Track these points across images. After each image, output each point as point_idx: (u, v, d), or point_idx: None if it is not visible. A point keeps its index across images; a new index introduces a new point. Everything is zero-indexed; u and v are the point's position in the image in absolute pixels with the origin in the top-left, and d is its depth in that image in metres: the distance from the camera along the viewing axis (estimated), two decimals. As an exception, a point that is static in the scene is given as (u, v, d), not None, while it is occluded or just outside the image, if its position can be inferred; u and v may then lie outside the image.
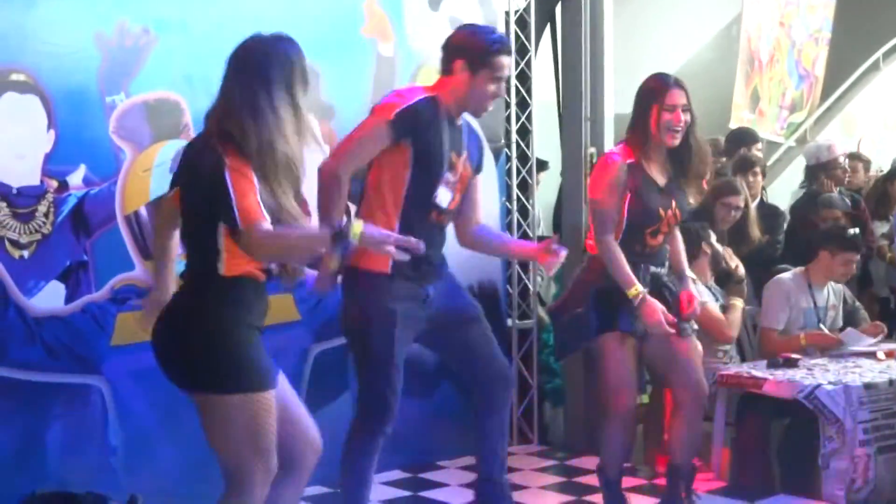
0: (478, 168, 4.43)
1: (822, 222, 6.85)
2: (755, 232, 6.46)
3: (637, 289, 4.55)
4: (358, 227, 3.28)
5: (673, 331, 4.61)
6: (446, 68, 4.22)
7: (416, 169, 4.14)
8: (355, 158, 4.15)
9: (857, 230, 6.18)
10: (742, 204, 6.27)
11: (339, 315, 4.36)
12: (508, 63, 4.23)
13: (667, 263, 4.81)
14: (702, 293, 5.56)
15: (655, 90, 4.63)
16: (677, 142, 4.62)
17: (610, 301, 4.62)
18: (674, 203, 4.67)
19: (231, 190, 3.29)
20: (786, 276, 6.01)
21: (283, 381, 3.61)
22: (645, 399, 5.08)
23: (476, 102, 4.22)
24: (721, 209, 6.21)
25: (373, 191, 4.22)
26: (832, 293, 6.04)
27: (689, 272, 4.92)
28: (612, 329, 4.64)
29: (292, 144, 3.41)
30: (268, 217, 3.32)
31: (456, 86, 4.19)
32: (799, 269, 6.03)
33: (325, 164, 4.16)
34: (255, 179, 3.32)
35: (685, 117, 4.60)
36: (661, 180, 4.68)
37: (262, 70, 3.44)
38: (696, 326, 4.98)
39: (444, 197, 4.22)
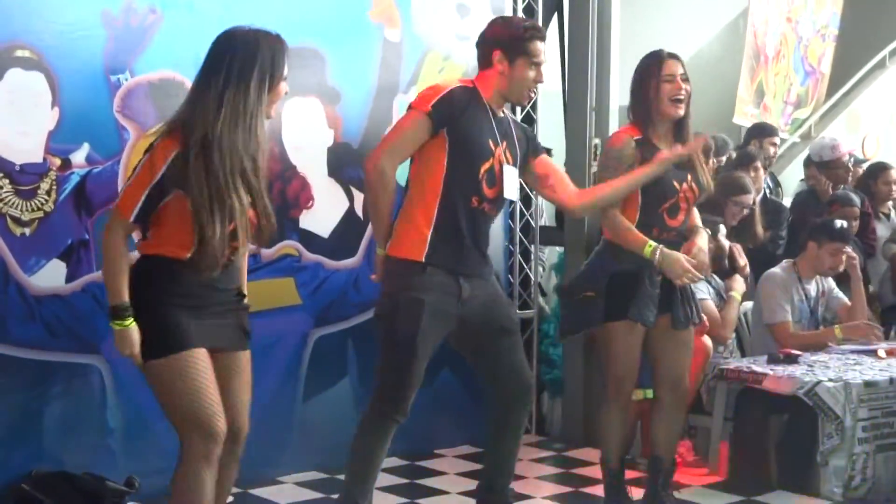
0: (532, 152, 4.44)
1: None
2: (759, 229, 6.46)
3: (651, 245, 4.56)
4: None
5: (701, 276, 4.66)
6: (485, 61, 4.26)
7: (454, 154, 4.15)
8: (398, 152, 4.17)
9: (843, 223, 6.15)
10: (752, 202, 6.28)
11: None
12: (544, 49, 4.27)
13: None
14: (701, 289, 5.56)
15: (651, 65, 4.67)
16: (681, 111, 4.62)
17: (624, 288, 4.62)
18: (689, 177, 4.66)
19: (132, 173, 3.47)
20: (776, 270, 6.01)
21: (236, 364, 3.67)
22: (649, 394, 5.06)
23: (518, 90, 4.27)
24: (732, 207, 6.23)
25: (413, 184, 4.22)
26: (820, 285, 6.04)
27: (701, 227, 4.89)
28: (623, 317, 4.63)
29: (239, 135, 3.43)
30: (132, 217, 3.44)
31: (496, 76, 4.23)
32: (787, 262, 6.03)
33: (368, 160, 4.20)
34: (162, 172, 3.40)
35: (686, 86, 4.61)
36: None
37: (216, 63, 3.50)
38: (701, 319, 4.98)
39: (510, 186, 4.28)
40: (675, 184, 4.63)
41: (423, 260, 4.11)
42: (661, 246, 4.54)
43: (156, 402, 3.58)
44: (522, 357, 4.45)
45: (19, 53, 4.57)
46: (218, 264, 3.48)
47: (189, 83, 4.82)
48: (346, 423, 5.63)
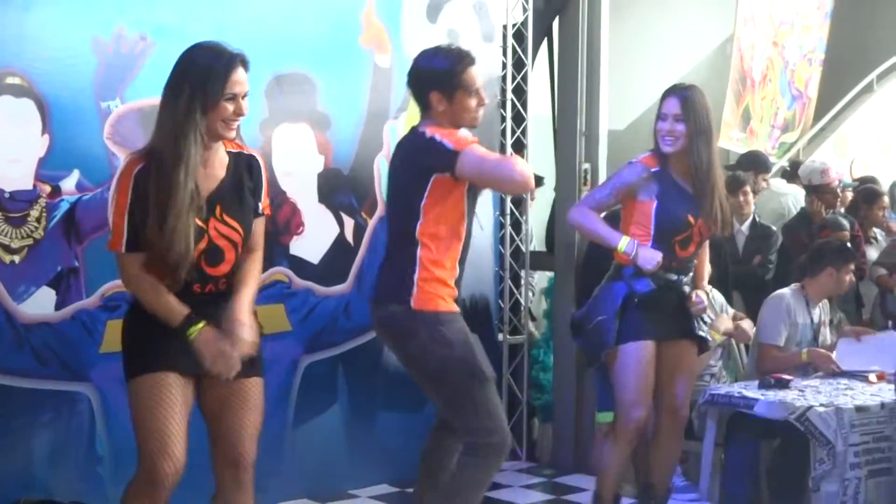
0: None
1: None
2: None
3: (625, 240, 4.61)
4: (195, 330, 3.44)
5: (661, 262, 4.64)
6: (425, 103, 4.18)
7: (469, 198, 4.18)
8: None
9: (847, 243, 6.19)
10: None
11: (408, 359, 4.28)
12: (478, 71, 4.21)
13: (691, 276, 4.83)
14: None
15: (661, 98, 4.73)
16: (670, 149, 4.66)
17: (635, 308, 4.64)
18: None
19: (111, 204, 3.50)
20: (785, 291, 5.99)
21: (241, 391, 3.63)
22: (609, 417, 5.06)
23: (467, 120, 4.20)
24: None
25: (435, 235, 4.13)
26: (823, 310, 6.04)
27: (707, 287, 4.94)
28: (638, 337, 4.64)
29: (183, 146, 3.41)
30: (123, 248, 3.45)
31: (440, 117, 4.15)
32: (796, 284, 6.02)
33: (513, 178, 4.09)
34: (134, 186, 3.42)
35: (677, 126, 4.62)
36: (690, 189, 4.69)
37: (171, 79, 3.51)
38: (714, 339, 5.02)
39: None
40: (690, 218, 4.65)
41: (458, 312, 4.17)
42: (636, 242, 4.59)
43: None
44: None
45: (10, 80, 4.57)
46: (179, 278, 3.44)
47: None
48: (336, 450, 5.66)
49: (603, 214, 4.83)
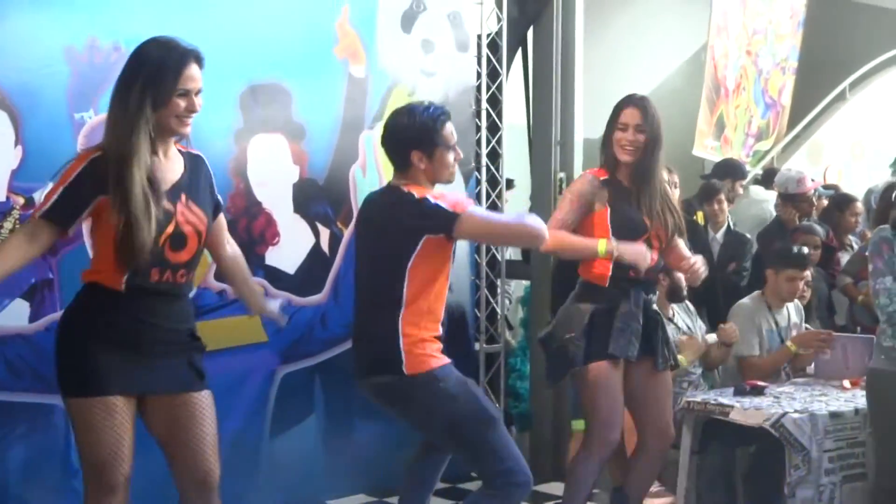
0: None
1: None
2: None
3: (605, 242, 4.59)
4: None
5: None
6: (403, 162, 4.14)
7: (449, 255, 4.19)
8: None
9: (801, 248, 6.18)
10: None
11: (415, 423, 4.27)
12: (452, 127, 4.20)
13: (657, 294, 4.84)
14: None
15: (615, 109, 4.74)
16: (628, 158, 4.68)
17: (604, 326, 4.63)
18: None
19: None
20: (746, 300, 6.03)
21: (193, 405, 3.58)
22: (580, 425, 5.08)
23: (445, 176, 4.20)
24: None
25: (418, 296, 4.06)
26: (793, 312, 6.06)
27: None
28: (605, 356, 4.62)
29: (134, 141, 3.39)
30: (39, 213, 3.42)
31: (420, 174, 4.12)
32: (757, 292, 6.05)
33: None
34: (82, 169, 3.41)
35: (639, 136, 4.65)
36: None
37: (124, 74, 3.49)
38: (677, 362, 5.02)
39: None
40: (646, 220, 4.67)
41: (448, 359, 4.13)
42: (616, 243, 4.58)
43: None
44: None
45: (-19, 92, 4.55)
46: (137, 266, 3.42)
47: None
48: (313, 460, 5.65)
49: None
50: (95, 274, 3.50)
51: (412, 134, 4.11)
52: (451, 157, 4.16)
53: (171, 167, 3.56)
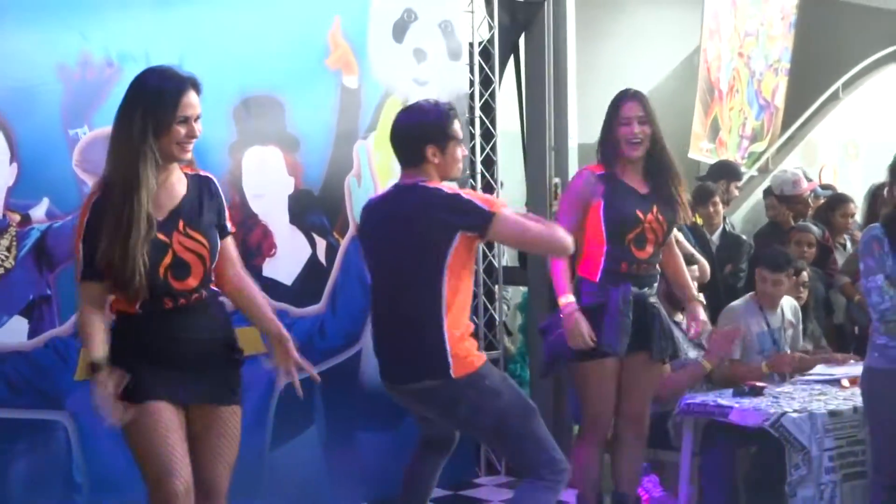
0: None
1: (796, 246, 6.91)
2: None
3: (567, 299, 4.65)
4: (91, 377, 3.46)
5: (592, 345, 4.67)
6: (416, 158, 4.16)
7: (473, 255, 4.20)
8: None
9: (781, 250, 6.17)
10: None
11: (462, 424, 4.31)
12: (459, 123, 4.28)
13: (655, 287, 4.84)
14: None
15: (612, 106, 4.80)
16: (638, 153, 4.72)
17: (593, 320, 4.67)
18: (655, 208, 4.73)
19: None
20: (737, 303, 6.03)
21: (219, 420, 3.66)
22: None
23: (455, 170, 4.25)
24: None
25: (450, 298, 4.08)
26: (787, 312, 6.05)
27: (697, 297, 4.98)
28: (592, 352, 4.68)
29: (141, 168, 3.44)
30: (80, 276, 3.50)
31: (433, 169, 4.16)
32: (750, 294, 6.06)
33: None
34: (89, 216, 3.47)
35: (642, 128, 4.67)
36: (641, 187, 4.77)
37: (123, 105, 3.54)
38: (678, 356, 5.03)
39: None
40: (639, 213, 4.69)
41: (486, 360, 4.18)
42: (576, 308, 4.65)
43: (122, 456, 3.58)
44: None
45: (-24, 110, 4.57)
46: (137, 296, 3.46)
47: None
48: (314, 470, 5.66)
49: None
50: (115, 303, 3.58)
51: (426, 129, 4.16)
52: (460, 151, 4.22)
53: (169, 194, 3.59)
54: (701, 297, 5.05)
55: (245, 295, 3.82)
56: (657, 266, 4.88)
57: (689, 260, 5.58)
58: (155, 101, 3.48)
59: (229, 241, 3.77)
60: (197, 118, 3.56)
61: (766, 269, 5.93)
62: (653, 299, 4.86)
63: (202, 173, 3.74)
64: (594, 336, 4.65)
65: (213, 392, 3.66)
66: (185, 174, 3.67)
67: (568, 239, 4.11)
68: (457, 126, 4.21)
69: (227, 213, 3.76)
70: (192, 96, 3.55)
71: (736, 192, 7.92)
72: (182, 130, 3.51)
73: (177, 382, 3.55)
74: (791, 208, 7.56)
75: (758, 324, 5.92)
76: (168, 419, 3.51)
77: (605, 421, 4.86)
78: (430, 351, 4.03)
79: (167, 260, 3.51)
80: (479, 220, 3.98)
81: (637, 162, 4.76)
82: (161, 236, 3.50)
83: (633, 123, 4.70)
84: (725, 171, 7.92)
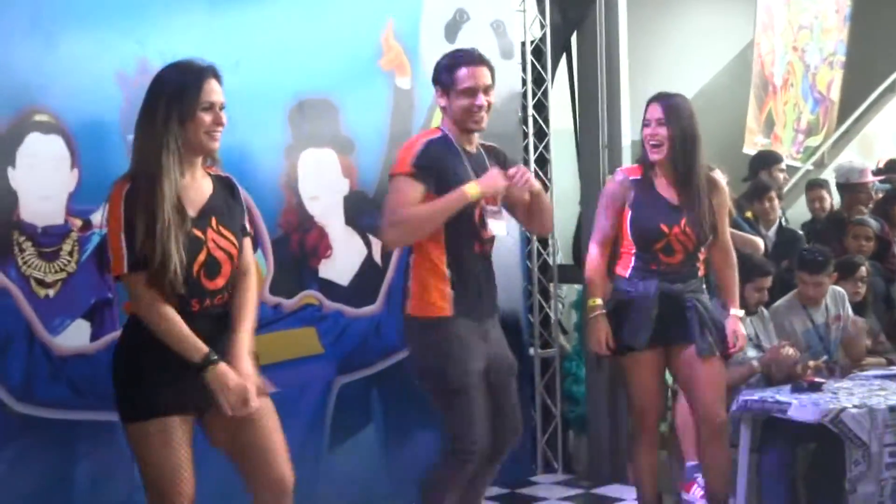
0: None
1: (854, 240, 6.85)
2: None
3: (594, 302, 4.74)
4: (213, 370, 3.44)
5: (608, 353, 4.76)
6: (438, 102, 4.33)
7: None
8: None
9: (825, 251, 6.11)
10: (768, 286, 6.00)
11: (410, 366, 4.43)
12: (473, 72, 4.22)
13: (694, 283, 4.81)
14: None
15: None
16: (656, 156, 4.71)
17: (622, 316, 4.73)
18: (683, 221, 4.69)
19: (106, 229, 3.50)
20: (781, 301, 5.99)
21: (255, 413, 3.57)
22: (662, 428, 5.13)
23: (461, 121, 4.25)
24: (751, 292, 5.81)
25: (417, 246, 4.23)
26: (832, 305, 6.00)
27: (736, 310, 4.89)
28: (623, 347, 4.74)
29: (164, 160, 3.43)
30: (125, 268, 3.42)
31: (445, 114, 4.28)
32: (793, 292, 6.01)
33: (382, 240, 4.37)
34: (125, 207, 3.42)
35: (660, 130, 4.65)
36: (673, 197, 4.73)
37: (146, 99, 3.54)
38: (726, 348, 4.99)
39: (497, 228, 4.27)
40: (663, 227, 4.68)
41: (452, 314, 4.17)
42: (602, 312, 4.75)
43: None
44: (517, 400, 4.47)
45: (38, 118, 4.63)
46: (173, 290, 3.42)
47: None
48: (372, 470, 5.69)
49: None
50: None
51: (435, 71, 4.36)
52: (463, 100, 4.23)
53: (199, 189, 3.59)
54: (741, 312, 4.94)
55: (238, 295, 3.68)
56: (697, 265, 4.83)
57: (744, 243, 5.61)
58: (178, 91, 3.48)
59: (247, 241, 3.76)
60: (222, 107, 3.55)
61: (805, 272, 5.89)
62: (693, 294, 4.78)
63: (222, 174, 3.75)
64: (611, 342, 4.72)
65: None
66: (208, 174, 3.67)
67: (390, 235, 4.21)
68: (460, 75, 4.22)
69: (246, 214, 3.77)
70: (214, 83, 3.54)
71: (781, 177, 7.77)
72: (207, 118, 3.50)
73: (197, 389, 3.47)
74: (853, 198, 7.50)
75: (802, 322, 5.88)
76: (179, 438, 3.49)
77: (651, 416, 4.85)
78: (405, 285, 4.27)
79: (202, 257, 3.51)
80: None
81: (668, 167, 4.72)
82: (197, 232, 3.50)
83: (652, 125, 4.70)
84: (762, 161, 7.78)
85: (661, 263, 4.72)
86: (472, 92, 4.20)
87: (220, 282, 3.57)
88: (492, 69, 4.29)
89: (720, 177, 5.02)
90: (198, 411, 3.57)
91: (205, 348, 3.44)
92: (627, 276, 4.78)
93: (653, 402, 4.83)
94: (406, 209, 4.09)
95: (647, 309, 4.69)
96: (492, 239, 4.31)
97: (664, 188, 4.75)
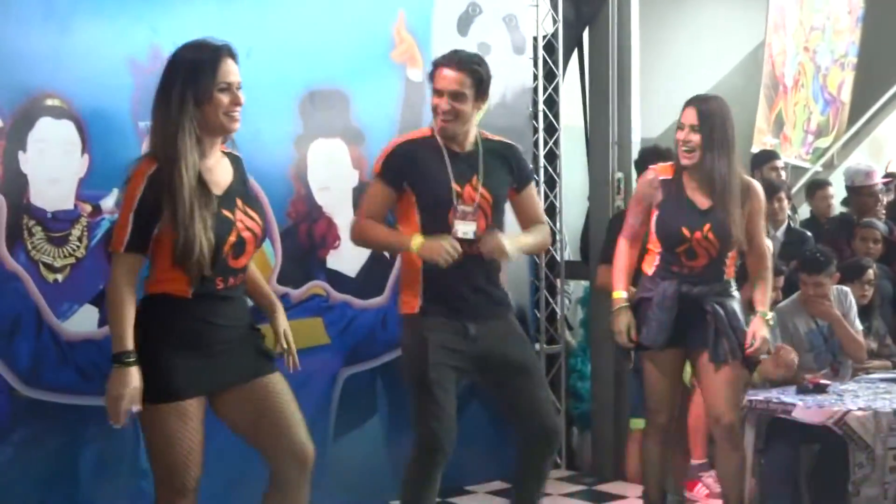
0: (516, 187, 4.40)
1: (861, 242, 6.84)
2: None
3: (618, 294, 4.75)
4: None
5: (631, 345, 4.76)
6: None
7: (422, 207, 4.19)
8: (372, 217, 4.27)
9: (825, 251, 6.09)
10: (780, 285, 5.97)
11: None
12: (443, 75, 4.21)
13: (718, 286, 4.75)
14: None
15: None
16: (687, 161, 4.69)
17: (637, 316, 4.75)
18: (707, 226, 4.66)
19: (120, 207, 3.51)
20: (784, 303, 5.98)
21: (268, 387, 3.61)
22: (639, 424, 5.14)
23: (435, 120, 4.27)
24: None
25: None
26: (837, 305, 5.97)
27: (763, 310, 4.83)
28: (640, 345, 4.75)
29: (180, 142, 3.39)
30: (124, 247, 3.40)
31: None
32: (797, 293, 6.00)
33: (350, 230, 4.36)
34: (144, 187, 3.39)
35: (693, 136, 4.64)
36: (702, 202, 4.70)
37: (162, 80, 3.50)
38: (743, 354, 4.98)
39: (464, 229, 4.18)
40: (685, 231, 4.65)
41: (418, 312, 4.21)
42: (626, 304, 4.78)
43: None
44: (545, 398, 4.41)
45: (49, 102, 4.65)
46: (200, 271, 3.41)
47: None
48: (377, 461, 5.70)
49: None
50: (161, 284, 3.49)
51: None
52: (434, 100, 4.29)
53: (222, 171, 3.58)
54: (770, 315, 4.90)
55: (254, 278, 3.84)
56: (723, 268, 4.78)
57: None
58: (194, 72, 3.44)
59: None
60: (238, 86, 3.51)
61: (804, 273, 5.88)
62: (718, 297, 4.73)
63: (234, 153, 3.70)
64: (634, 335, 4.74)
65: (257, 366, 3.62)
66: (223, 152, 3.64)
67: (350, 235, 4.38)
68: (435, 75, 4.26)
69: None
70: (229, 63, 3.50)
71: (774, 176, 7.69)
72: (225, 98, 3.46)
73: (210, 370, 3.50)
74: (860, 200, 7.48)
75: (805, 323, 5.88)
76: (195, 423, 3.49)
77: (662, 415, 4.84)
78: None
79: (232, 238, 3.49)
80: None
81: (699, 172, 4.69)
82: (226, 213, 3.48)
83: (685, 130, 4.68)
84: (760, 159, 7.74)
85: (683, 266, 4.71)
86: (438, 93, 4.22)
87: (243, 261, 3.58)
88: (474, 76, 4.20)
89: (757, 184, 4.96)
90: (212, 392, 3.57)
91: (128, 346, 3.39)
92: (651, 273, 4.78)
93: (664, 401, 4.82)
94: (362, 220, 4.27)
95: (666, 310, 4.68)
96: (475, 241, 4.19)
97: (693, 192, 4.71)
